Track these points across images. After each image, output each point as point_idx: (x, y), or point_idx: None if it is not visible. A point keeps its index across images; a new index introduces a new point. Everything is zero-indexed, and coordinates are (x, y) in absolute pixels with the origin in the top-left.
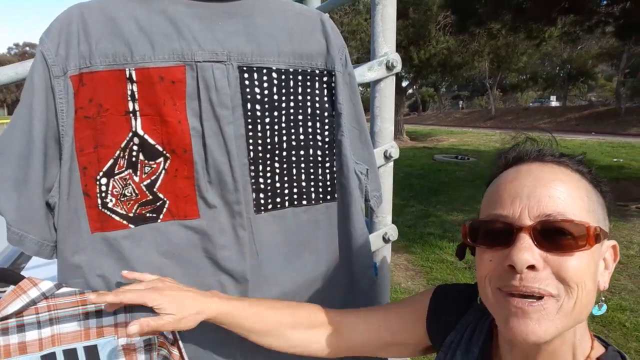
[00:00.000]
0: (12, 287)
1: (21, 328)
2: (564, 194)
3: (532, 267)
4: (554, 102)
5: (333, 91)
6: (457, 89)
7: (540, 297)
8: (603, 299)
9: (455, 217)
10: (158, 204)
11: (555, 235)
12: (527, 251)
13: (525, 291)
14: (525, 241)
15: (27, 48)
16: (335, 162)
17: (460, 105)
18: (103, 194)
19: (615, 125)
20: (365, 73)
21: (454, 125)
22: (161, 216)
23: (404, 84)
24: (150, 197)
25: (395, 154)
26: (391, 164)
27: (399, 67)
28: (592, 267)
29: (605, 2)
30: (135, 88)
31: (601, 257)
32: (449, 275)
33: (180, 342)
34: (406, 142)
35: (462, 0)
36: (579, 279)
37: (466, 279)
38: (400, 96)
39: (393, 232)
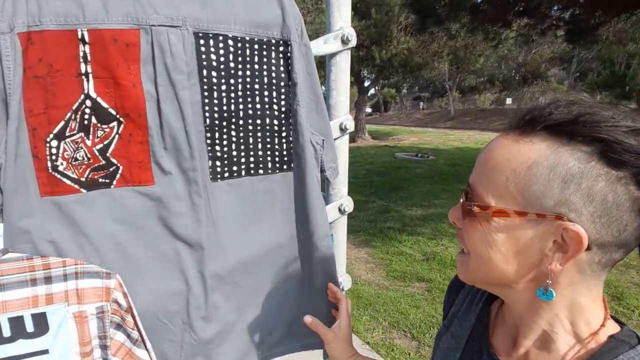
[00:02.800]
0: None
1: None
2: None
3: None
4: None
5: (289, 61)
6: (418, 90)
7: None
8: (549, 282)
9: (415, 212)
10: (111, 169)
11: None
12: (454, 209)
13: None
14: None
15: None
16: (291, 132)
17: (421, 106)
18: (53, 157)
19: None
20: (320, 46)
21: (415, 126)
22: (114, 182)
23: (366, 83)
24: (103, 162)
25: (351, 126)
26: (347, 136)
27: (353, 42)
28: (480, 237)
29: (556, 8)
30: (87, 49)
31: (539, 236)
32: (408, 267)
33: (134, 310)
34: (368, 141)
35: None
36: (469, 245)
37: (424, 271)
38: (362, 96)
39: (349, 204)
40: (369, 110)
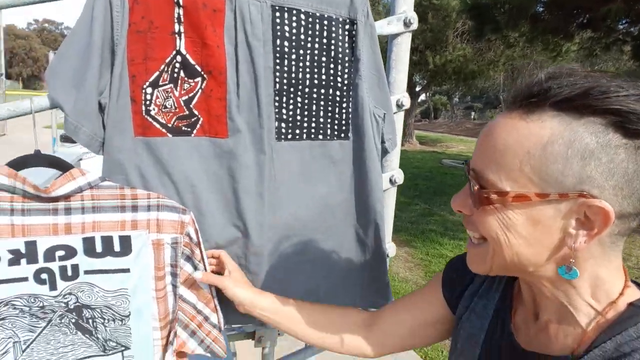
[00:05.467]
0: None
1: (68, 211)
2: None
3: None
4: None
5: (354, 39)
6: (470, 100)
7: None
8: (572, 260)
9: (458, 217)
10: (193, 119)
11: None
12: (457, 196)
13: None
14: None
15: (46, 24)
16: (351, 104)
17: (473, 116)
18: (147, 102)
19: None
20: (384, 26)
21: (465, 135)
22: (195, 131)
23: (417, 88)
24: (187, 112)
25: (407, 102)
26: (402, 112)
27: (415, 25)
28: (498, 223)
29: (624, 21)
30: (181, 12)
31: (561, 216)
32: None
33: (202, 245)
34: (415, 146)
35: (481, 6)
36: (485, 233)
37: None
38: (413, 101)
39: (399, 175)
40: (417, 116)
